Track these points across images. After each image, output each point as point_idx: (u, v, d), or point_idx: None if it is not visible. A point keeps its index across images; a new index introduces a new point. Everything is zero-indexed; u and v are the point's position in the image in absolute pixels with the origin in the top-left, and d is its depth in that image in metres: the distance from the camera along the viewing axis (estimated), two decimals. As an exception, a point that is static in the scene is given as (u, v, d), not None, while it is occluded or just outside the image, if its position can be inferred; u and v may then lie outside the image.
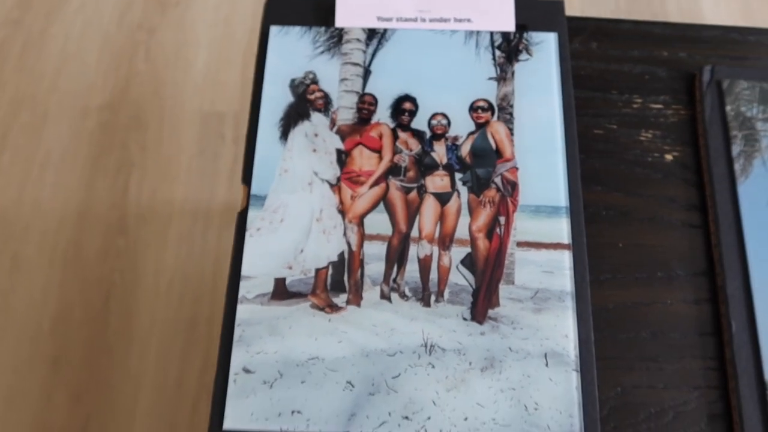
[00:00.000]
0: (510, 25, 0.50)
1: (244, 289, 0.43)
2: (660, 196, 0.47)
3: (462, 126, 0.47)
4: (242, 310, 0.42)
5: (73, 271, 0.96)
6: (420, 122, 0.47)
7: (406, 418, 0.39)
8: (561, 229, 0.44)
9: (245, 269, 0.43)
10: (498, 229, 0.44)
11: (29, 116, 1.07)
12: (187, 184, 1.00)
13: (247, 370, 0.41)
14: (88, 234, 0.99)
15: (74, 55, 1.11)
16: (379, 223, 0.45)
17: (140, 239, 0.99)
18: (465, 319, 0.42)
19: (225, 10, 1.16)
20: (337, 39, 0.49)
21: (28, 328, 0.92)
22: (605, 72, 0.50)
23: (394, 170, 0.46)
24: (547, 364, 0.41)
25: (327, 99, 0.47)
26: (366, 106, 0.47)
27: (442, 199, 0.45)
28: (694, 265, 0.45)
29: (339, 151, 0.46)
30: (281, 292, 0.43)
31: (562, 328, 0.42)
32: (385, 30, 0.50)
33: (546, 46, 0.49)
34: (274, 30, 0.50)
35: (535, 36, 0.50)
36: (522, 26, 0.50)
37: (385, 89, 0.48)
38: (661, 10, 1.19)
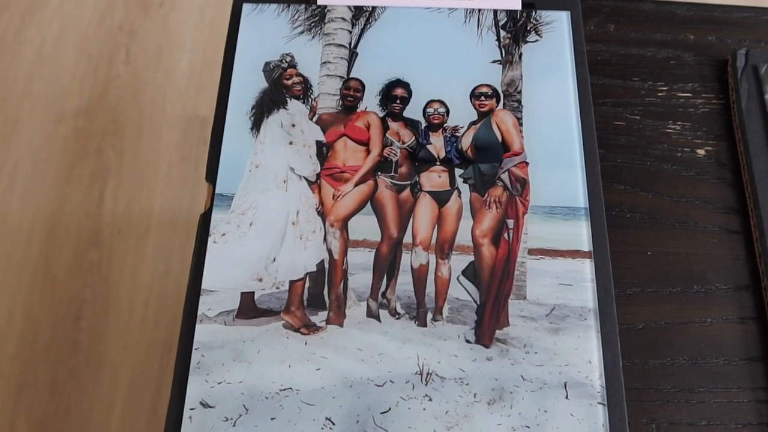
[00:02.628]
0: (516, 3, 0.44)
1: (205, 305, 0.36)
2: (693, 197, 0.40)
3: (462, 115, 0.40)
4: (202, 331, 0.35)
5: (42, 288, 0.89)
6: (414, 111, 0.40)
7: (398, 463, 0.33)
8: (580, 233, 0.37)
9: (207, 282, 0.36)
10: (506, 234, 0.37)
11: None
12: (167, 193, 0.94)
13: (205, 404, 0.34)
14: (59, 247, 0.92)
15: (50, 58, 1.05)
16: (366, 227, 0.38)
17: (115, 253, 0.92)
18: (468, 341, 0.35)
19: (210, 12, 1.10)
20: (318, 18, 0.43)
21: (-10, 349, 0.84)
22: (625, 57, 0.44)
23: (383, 165, 0.39)
24: (567, 396, 0.34)
25: (306, 84, 0.41)
26: (351, 92, 0.41)
27: (440, 198, 0.38)
28: (735, 277, 0.38)
29: (319, 144, 0.40)
30: (249, 309, 0.36)
31: (585, 353, 0.35)
32: (374, 8, 0.44)
33: (557, 26, 0.43)
34: (247, 8, 0.44)
35: (545, 15, 0.44)
36: (530, 4, 0.44)
37: (373, 73, 0.41)
38: None
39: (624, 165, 0.41)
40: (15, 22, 1.10)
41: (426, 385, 0.34)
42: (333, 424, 0.33)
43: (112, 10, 1.09)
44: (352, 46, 0.42)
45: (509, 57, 0.42)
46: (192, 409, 0.33)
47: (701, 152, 0.42)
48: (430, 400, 0.34)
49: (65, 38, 1.08)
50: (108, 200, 0.96)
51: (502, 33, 0.43)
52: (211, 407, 0.33)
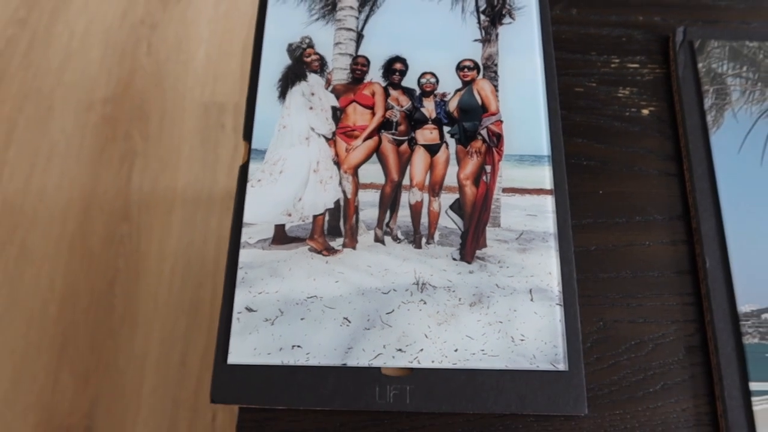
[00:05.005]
0: (494, -8, 0.53)
1: (246, 235, 0.45)
2: (638, 148, 0.49)
3: (450, 84, 0.50)
4: (245, 254, 0.45)
5: (80, 259, 0.98)
6: (410, 81, 0.50)
7: (400, 350, 0.42)
8: (543, 176, 0.47)
9: (247, 217, 0.46)
10: (484, 177, 0.47)
11: (35, 110, 1.10)
12: (189, 172, 1.03)
13: (249, 309, 0.43)
14: (93, 222, 1.01)
15: (78, 51, 1.14)
16: (372, 172, 0.47)
17: (143, 226, 1.02)
18: (454, 259, 0.44)
19: (224, 6, 1.19)
20: (331, 7, 0.52)
21: (35, 312, 0.94)
22: (585, 36, 0.53)
23: (386, 125, 0.48)
24: (532, 299, 0.43)
25: (322, 61, 0.50)
26: (359, 67, 0.50)
27: (432, 150, 0.47)
28: (670, 210, 0.47)
29: (334, 108, 0.49)
30: (281, 237, 0.45)
31: (546, 266, 0.44)
32: (377, -2, 0.53)
33: (528, 11, 0.52)
34: (271, 0, 0.53)
35: (518, 1, 0.53)
36: (505, -7, 0.53)
37: (376, 52, 0.51)
38: None
39: (582, 122, 0.50)
40: (45, 17, 1.19)
41: (421, 292, 0.43)
42: (349, 322, 0.42)
43: (135, 5, 1.18)
44: (359, 30, 0.51)
45: (488, 36, 0.51)
46: (239, 313, 0.43)
47: (646, 112, 0.50)
48: (425, 303, 0.43)
49: (91, 32, 1.17)
50: (135, 180, 1.05)
51: (482, 17, 0.52)
52: (254, 311, 0.43)
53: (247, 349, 0.42)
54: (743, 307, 0.43)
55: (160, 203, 1.03)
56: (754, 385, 0.41)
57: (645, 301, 0.44)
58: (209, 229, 1.00)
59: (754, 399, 0.41)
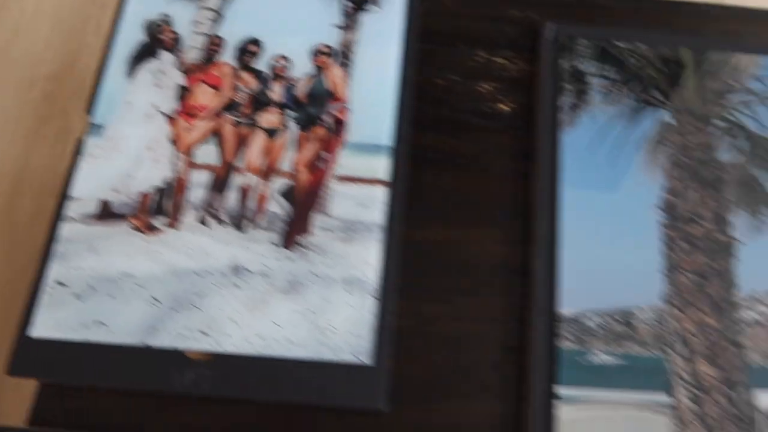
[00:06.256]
0: (363, -21, 0.52)
1: (71, 209, 0.44)
2: (490, 144, 0.48)
3: (303, 68, 0.49)
4: (66, 228, 0.44)
5: (8, 232, 0.98)
6: (262, 63, 0.49)
7: (204, 333, 0.41)
8: (381, 166, 0.45)
9: (75, 191, 0.45)
10: (320, 164, 0.46)
11: (-19, 85, 1.10)
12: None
13: (61, 283, 0.42)
14: (22, 198, 1.01)
15: (27, 28, 1.14)
16: (208, 153, 0.46)
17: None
18: (275, 245, 0.43)
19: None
20: (195, -15, 0.52)
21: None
22: (455, 28, 0.52)
23: (230, 106, 0.48)
24: (347, 290, 0.42)
25: (177, 39, 0.49)
26: (212, 46, 0.49)
27: (272, 134, 0.46)
28: (514, 209, 0.46)
29: (181, 87, 0.48)
30: (106, 213, 0.44)
31: (367, 258, 0.43)
32: (242, -22, 0.52)
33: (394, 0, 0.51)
34: (138, -24, 0.52)
35: (386, -11, 0.52)
36: (374, -20, 0.52)
37: (234, 32, 0.50)
38: None
39: (436, 116, 0.49)
40: (-1, -6, 1.19)
41: (236, 276, 0.42)
42: (159, 302, 0.41)
43: (87, -15, 1.18)
44: (219, 10, 0.51)
45: (349, 23, 0.50)
46: (50, 286, 0.42)
47: (505, 108, 0.49)
48: (239, 288, 0.42)
49: (42, 10, 1.17)
50: (69, 157, 1.05)
51: (346, 2, 0.51)
52: (66, 286, 0.42)
53: (52, 323, 0.41)
54: (565, 310, 0.42)
55: (92, 183, 1.03)
56: (563, 390, 0.40)
57: (470, 299, 0.43)
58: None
59: (559, 403, 0.39)
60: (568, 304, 0.42)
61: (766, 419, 0.39)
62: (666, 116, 0.47)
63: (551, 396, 0.39)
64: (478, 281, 0.44)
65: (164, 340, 0.41)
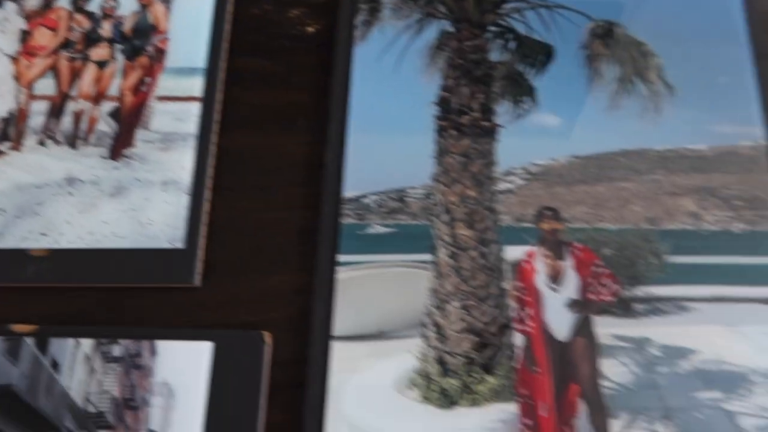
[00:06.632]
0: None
1: (-71, 141, 0.51)
2: (297, 63, 0.55)
3: (129, 7, 0.55)
4: (-75, 158, 0.51)
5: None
6: (93, 5, 0.55)
7: (44, 234, 0.48)
8: (196, 85, 0.52)
9: (-69, 126, 0.52)
10: (144, 88, 0.52)
11: None
12: None
13: None
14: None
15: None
16: (47, 86, 0.53)
17: None
18: (104, 158, 0.51)
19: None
20: (35, -60, 0.58)
21: None
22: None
23: (66, 44, 0.54)
24: (164, 190, 0.49)
25: (19, -10, 0.56)
26: (50, -6, 0.56)
27: (102, 65, 0.53)
28: (313, 115, 0.53)
29: (23, 31, 0.54)
30: (-41, 143, 0.52)
31: (182, 162, 0.50)
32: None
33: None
34: (-15, -64, 0.58)
35: (206, -68, 0.58)
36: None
37: (68, -20, 0.56)
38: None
39: (251, 39, 0.55)
40: None
41: (71, 186, 0.49)
42: (5, 211, 0.49)
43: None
44: (56, -39, 0.57)
45: (171, -36, 0.56)
46: None
47: (311, 29, 0.56)
48: (72, 195, 0.49)
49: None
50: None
51: (169, -53, 0.57)
52: (-74, 205, 0.49)
53: None
54: (348, 193, 0.49)
55: None
56: (344, 257, 0.47)
57: (274, 192, 0.50)
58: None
59: (339, 269, 0.47)
60: (353, 189, 0.49)
61: (511, 267, 0.47)
62: (447, 26, 0.54)
63: (334, 263, 0.47)
64: (281, 178, 0.51)
65: (9, 242, 0.48)
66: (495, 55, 0.53)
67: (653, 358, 0.45)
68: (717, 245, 0.48)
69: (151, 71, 0.53)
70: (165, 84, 0.52)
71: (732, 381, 0.44)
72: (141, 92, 0.52)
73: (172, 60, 0.53)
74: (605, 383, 0.44)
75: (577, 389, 0.44)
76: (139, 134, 0.51)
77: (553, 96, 0.51)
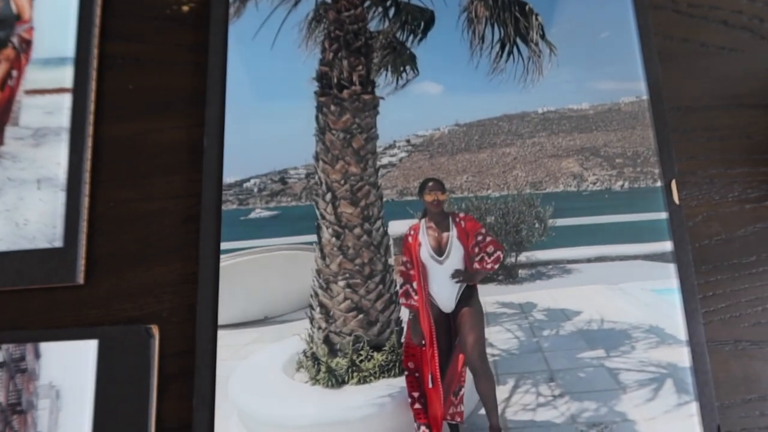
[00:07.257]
0: None
1: None
2: (172, 44, 0.53)
3: (-10, -4, 0.53)
4: None
5: None
6: (-48, -4, 0.52)
7: None
8: (66, 75, 0.50)
9: None
10: (10, 81, 0.50)
11: None
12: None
13: None
14: None
15: None
16: None
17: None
18: (-27, 159, 0.49)
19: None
20: None
21: None
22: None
23: (-76, 40, 0.52)
24: (39, 188, 0.48)
25: None
26: None
27: (-36, 61, 0.51)
28: (191, 98, 0.51)
29: None
30: None
31: (56, 158, 0.49)
32: None
33: None
34: None
35: None
36: None
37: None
38: None
39: (120, 25, 0.53)
40: None
41: (-60, 191, 0.48)
42: None
43: None
44: None
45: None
46: None
47: (186, 9, 0.53)
48: (-57, 200, 0.48)
49: None
50: None
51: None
52: None
53: None
54: (228, 178, 0.48)
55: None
56: (227, 245, 0.47)
57: (155, 181, 0.49)
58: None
59: (223, 257, 0.46)
60: (234, 173, 0.48)
61: (395, 242, 0.47)
62: (325, -4, 0.52)
63: (218, 251, 0.47)
64: (162, 165, 0.50)
65: None
66: (374, 25, 0.52)
67: (537, 322, 0.46)
68: (599, 205, 0.48)
69: (17, 63, 0.50)
70: (33, 76, 0.50)
71: (613, 338, 0.45)
72: (7, 86, 0.50)
73: (38, 50, 0.51)
74: (491, 350, 0.45)
75: (463, 359, 0.45)
76: (8, 131, 0.49)
77: (435, 64, 0.50)
